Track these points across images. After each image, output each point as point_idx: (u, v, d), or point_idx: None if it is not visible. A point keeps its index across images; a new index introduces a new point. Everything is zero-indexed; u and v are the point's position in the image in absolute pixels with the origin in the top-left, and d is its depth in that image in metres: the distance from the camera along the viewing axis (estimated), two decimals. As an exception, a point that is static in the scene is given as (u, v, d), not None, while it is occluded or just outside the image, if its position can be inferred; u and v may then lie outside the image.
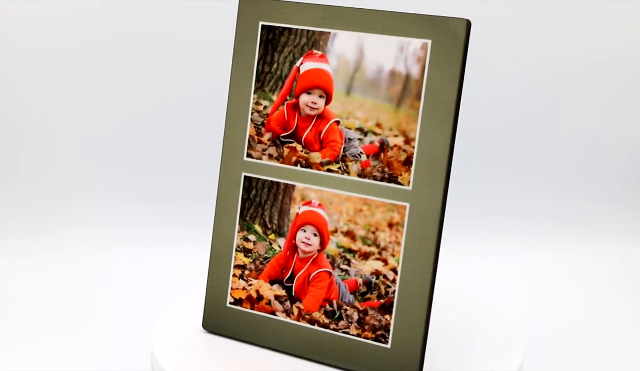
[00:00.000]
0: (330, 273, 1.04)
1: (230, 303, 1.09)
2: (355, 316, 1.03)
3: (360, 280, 1.02)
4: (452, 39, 0.97)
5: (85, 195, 1.81)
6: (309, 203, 1.04)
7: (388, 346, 1.01)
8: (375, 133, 1.01)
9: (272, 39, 1.06)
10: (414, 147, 0.99)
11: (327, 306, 1.04)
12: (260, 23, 1.07)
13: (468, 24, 0.97)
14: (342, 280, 1.03)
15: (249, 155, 1.08)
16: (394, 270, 1.00)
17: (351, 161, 1.02)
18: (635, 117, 1.87)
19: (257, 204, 1.07)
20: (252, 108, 1.07)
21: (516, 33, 1.81)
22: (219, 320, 1.10)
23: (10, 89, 1.78)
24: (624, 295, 1.68)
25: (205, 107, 1.85)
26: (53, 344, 1.44)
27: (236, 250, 1.09)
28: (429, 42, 0.98)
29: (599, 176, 1.87)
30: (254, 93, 1.07)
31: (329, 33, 1.03)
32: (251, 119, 1.07)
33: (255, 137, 1.07)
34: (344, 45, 1.02)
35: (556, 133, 1.86)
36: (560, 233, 1.85)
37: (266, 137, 1.07)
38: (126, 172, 1.84)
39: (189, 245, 1.79)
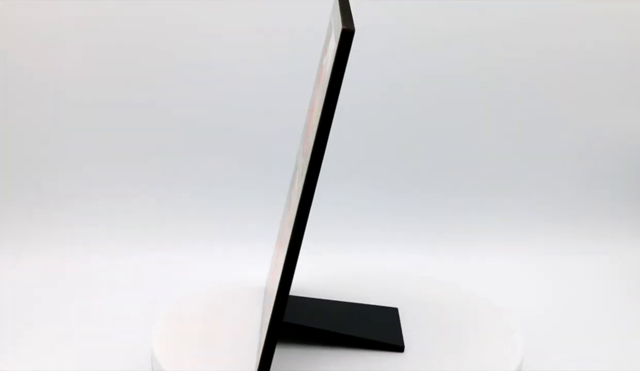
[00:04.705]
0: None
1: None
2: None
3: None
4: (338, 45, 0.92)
5: (84, 195, 1.79)
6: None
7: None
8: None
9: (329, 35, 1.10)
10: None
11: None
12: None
13: (344, 32, 0.89)
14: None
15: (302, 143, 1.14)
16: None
17: (307, 159, 1.03)
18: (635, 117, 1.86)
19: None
20: (312, 99, 1.13)
21: (516, 32, 1.79)
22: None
23: (34, 86, 1.77)
24: (624, 295, 1.69)
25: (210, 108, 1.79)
26: (53, 344, 1.46)
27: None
28: (336, 45, 0.94)
29: (599, 176, 1.88)
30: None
31: (332, 30, 1.04)
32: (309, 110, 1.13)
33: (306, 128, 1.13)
34: (331, 43, 1.03)
35: (556, 133, 1.85)
36: (560, 233, 1.86)
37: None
38: (127, 172, 1.80)
39: (189, 246, 1.77)
